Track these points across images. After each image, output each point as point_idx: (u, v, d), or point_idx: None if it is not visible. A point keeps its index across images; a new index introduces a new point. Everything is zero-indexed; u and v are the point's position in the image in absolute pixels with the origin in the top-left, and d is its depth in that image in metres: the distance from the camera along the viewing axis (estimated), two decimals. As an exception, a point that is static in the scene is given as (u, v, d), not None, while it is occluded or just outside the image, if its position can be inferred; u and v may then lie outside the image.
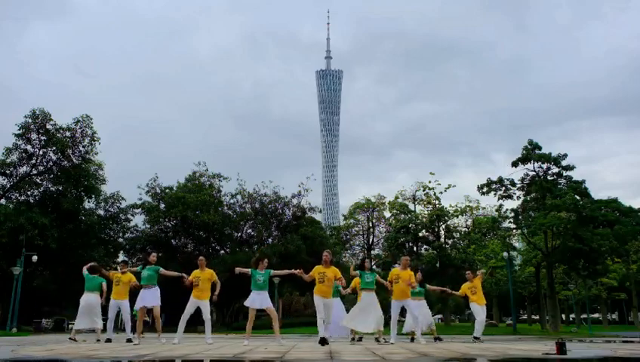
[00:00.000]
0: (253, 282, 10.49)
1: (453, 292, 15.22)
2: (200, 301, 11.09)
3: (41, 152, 38.67)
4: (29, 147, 38.29)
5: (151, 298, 11.92)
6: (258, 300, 10.44)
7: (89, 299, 12.74)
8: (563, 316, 64.50)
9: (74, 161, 39.05)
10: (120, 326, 25.76)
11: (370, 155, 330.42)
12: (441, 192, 45.73)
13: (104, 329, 13.14)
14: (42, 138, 38.02)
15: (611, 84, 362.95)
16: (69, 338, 12.62)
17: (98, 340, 12.78)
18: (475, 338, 13.11)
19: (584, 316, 61.28)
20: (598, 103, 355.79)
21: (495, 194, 36.05)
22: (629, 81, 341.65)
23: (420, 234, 46.49)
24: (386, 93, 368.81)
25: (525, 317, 72.70)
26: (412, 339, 13.09)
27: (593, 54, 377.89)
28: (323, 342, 9.48)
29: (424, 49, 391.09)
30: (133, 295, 12.90)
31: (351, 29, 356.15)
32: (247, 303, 10.56)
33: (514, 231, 39.83)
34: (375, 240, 53.04)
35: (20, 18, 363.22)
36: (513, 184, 35.97)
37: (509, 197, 36.16)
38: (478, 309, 13.54)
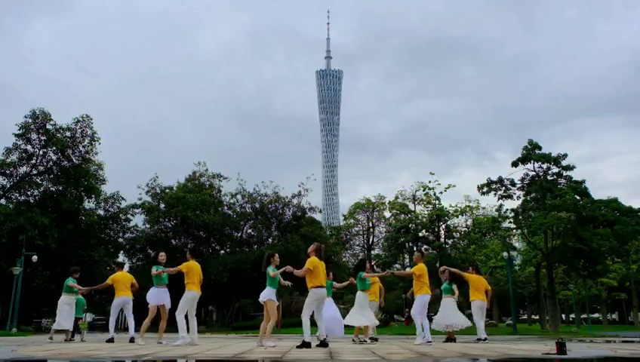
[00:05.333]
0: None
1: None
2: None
3: (41, 152, 38.68)
4: (29, 147, 38.31)
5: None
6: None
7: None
8: (563, 316, 64.40)
9: (74, 161, 39.07)
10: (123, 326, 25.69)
11: (372, 154, 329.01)
12: (441, 192, 45.79)
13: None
14: (42, 138, 38.02)
15: (614, 83, 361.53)
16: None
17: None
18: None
19: (584, 316, 61.18)
20: (602, 101, 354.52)
21: (495, 194, 36.02)
22: (631, 80, 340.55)
23: (420, 234, 46.50)
24: (389, 91, 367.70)
25: (525, 317, 72.57)
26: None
27: (597, 53, 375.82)
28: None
29: (429, 46, 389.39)
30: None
31: (354, 26, 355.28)
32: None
33: (514, 231, 39.80)
34: (375, 240, 53.08)
35: (21, 15, 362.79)
36: (513, 184, 35.94)
37: (509, 197, 36.12)
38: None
